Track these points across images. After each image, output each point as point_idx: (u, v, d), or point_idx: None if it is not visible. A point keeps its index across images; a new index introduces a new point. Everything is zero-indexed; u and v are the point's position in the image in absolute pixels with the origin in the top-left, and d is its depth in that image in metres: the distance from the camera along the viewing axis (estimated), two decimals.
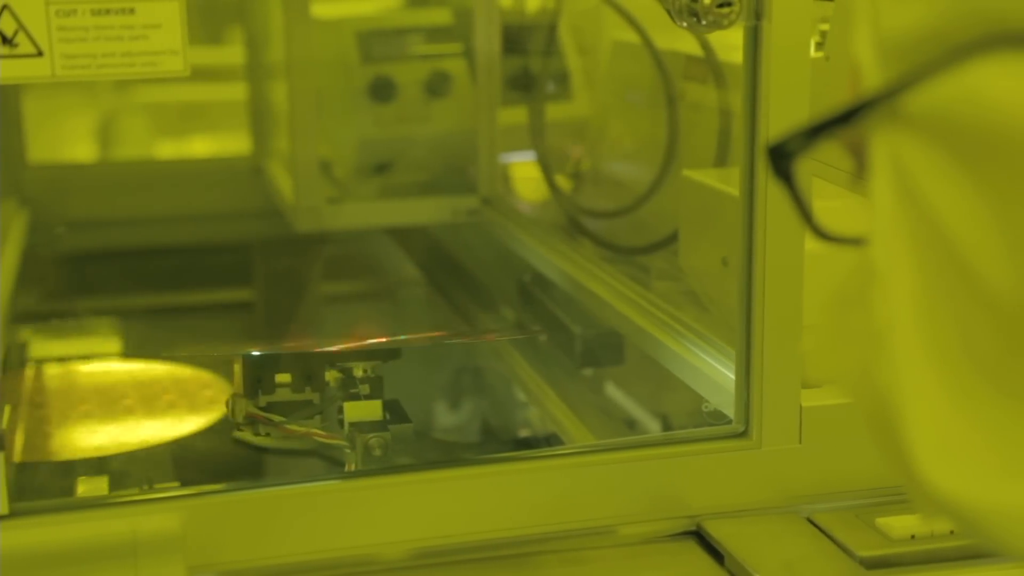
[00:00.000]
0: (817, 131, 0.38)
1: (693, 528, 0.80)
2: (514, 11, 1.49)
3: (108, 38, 0.65)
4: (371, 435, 0.86)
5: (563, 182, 1.46)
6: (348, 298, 1.53)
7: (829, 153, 0.43)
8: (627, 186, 1.30)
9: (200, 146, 2.02)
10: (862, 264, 0.38)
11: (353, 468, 0.86)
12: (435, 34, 1.45)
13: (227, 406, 0.91)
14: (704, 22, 0.73)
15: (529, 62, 1.42)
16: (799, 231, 0.79)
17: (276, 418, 0.88)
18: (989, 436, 0.34)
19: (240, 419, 0.89)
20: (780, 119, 0.76)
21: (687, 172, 1.09)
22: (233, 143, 1.85)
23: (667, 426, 1.09)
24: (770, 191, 0.78)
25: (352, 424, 0.88)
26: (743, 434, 0.81)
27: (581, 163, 1.45)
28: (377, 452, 0.86)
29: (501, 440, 1.21)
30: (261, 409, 0.89)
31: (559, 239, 1.28)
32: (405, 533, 0.79)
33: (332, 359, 0.92)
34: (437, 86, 1.43)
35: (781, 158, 0.38)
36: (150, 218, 1.57)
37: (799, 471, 0.81)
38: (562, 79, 1.45)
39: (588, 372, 1.17)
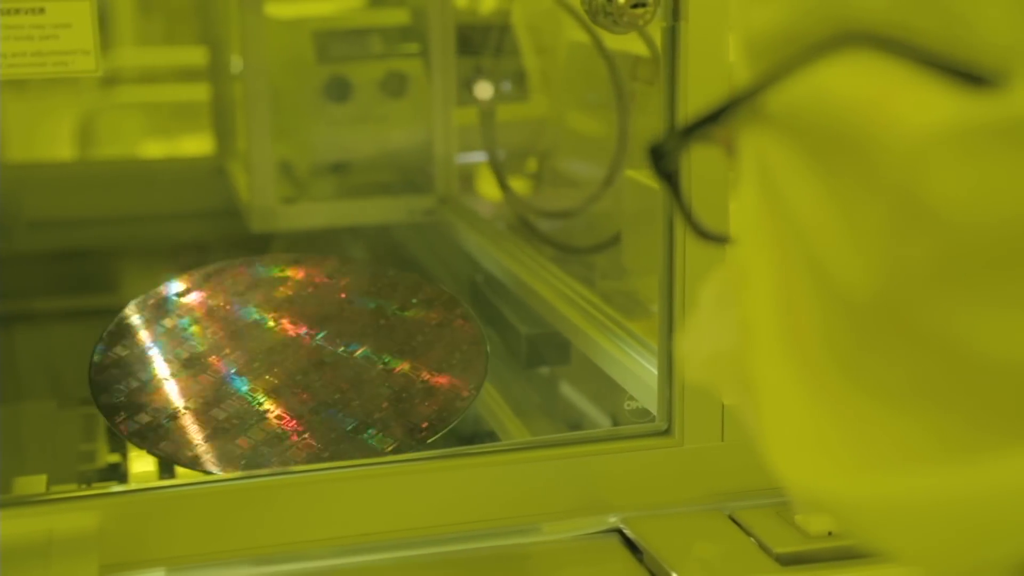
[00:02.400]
0: (691, 130, 0.38)
1: (617, 526, 0.81)
2: (471, 11, 1.50)
3: (17, 37, 0.65)
4: None
5: (520, 182, 1.46)
6: None
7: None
8: (582, 186, 1.30)
9: (165, 146, 2.02)
10: (733, 263, 0.39)
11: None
12: (392, 34, 1.45)
13: None
14: (620, 23, 0.73)
15: (485, 62, 1.43)
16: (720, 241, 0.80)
17: None
18: (844, 430, 0.35)
19: None
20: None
21: (629, 172, 1.09)
22: (199, 144, 1.85)
23: (614, 425, 1.09)
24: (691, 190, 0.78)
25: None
26: (666, 432, 0.82)
27: (538, 163, 1.45)
28: None
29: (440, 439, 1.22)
30: None
31: (511, 239, 1.28)
32: (328, 531, 0.79)
33: None
34: (393, 86, 1.43)
35: (660, 158, 0.39)
36: (111, 218, 1.58)
37: (721, 469, 0.81)
38: (519, 79, 1.46)
39: (535, 372, 1.17)
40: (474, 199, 1.47)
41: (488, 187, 1.47)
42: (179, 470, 0.97)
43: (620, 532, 0.80)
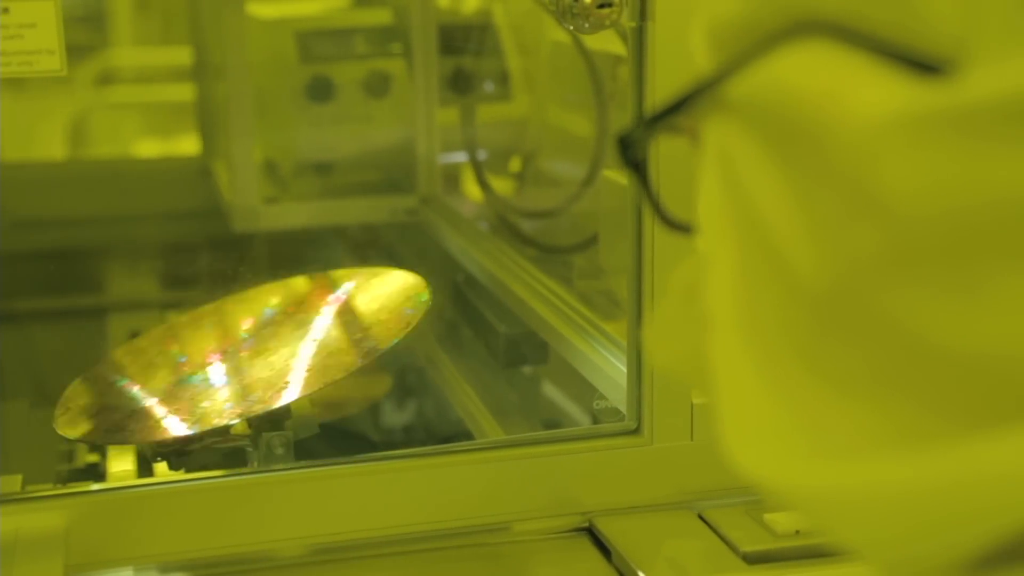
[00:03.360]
0: (656, 119, 0.38)
1: (586, 524, 0.81)
2: (453, 11, 1.50)
3: None
4: (273, 433, 0.87)
5: (504, 182, 1.47)
6: None
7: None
8: (564, 186, 1.30)
9: (152, 146, 2.03)
10: (698, 253, 0.39)
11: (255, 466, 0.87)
12: (375, 34, 1.45)
13: None
14: (587, 23, 0.74)
15: (469, 62, 1.43)
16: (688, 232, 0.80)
17: None
18: (801, 419, 0.35)
19: None
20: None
21: (606, 172, 1.09)
22: (185, 143, 1.85)
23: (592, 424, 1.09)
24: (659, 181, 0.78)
25: (255, 422, 0.88)
26: (636, 431, 0.82)
27: (521, 163, 1.45)
28: (279, 451, 0.87)
29: (414, 439, 1.22)
30: None
31: (491, 239, 1.28)
32: (300, 529, 0.80)
33: None
34: (376, 86, 1.43)
35: (628, 147, 0.39)
36: (94, 218, 1.58)
37: (691, 468, 0.82)
38: (502, 79, 1.46)
39: (513, 371, 1.17)
40: (457, 199, 1.47)
41: (472, 187, 1.47)
42: (157, 470, 0.98)
43: (590, 531, 0.81)
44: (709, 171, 0.37)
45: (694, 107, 0.37)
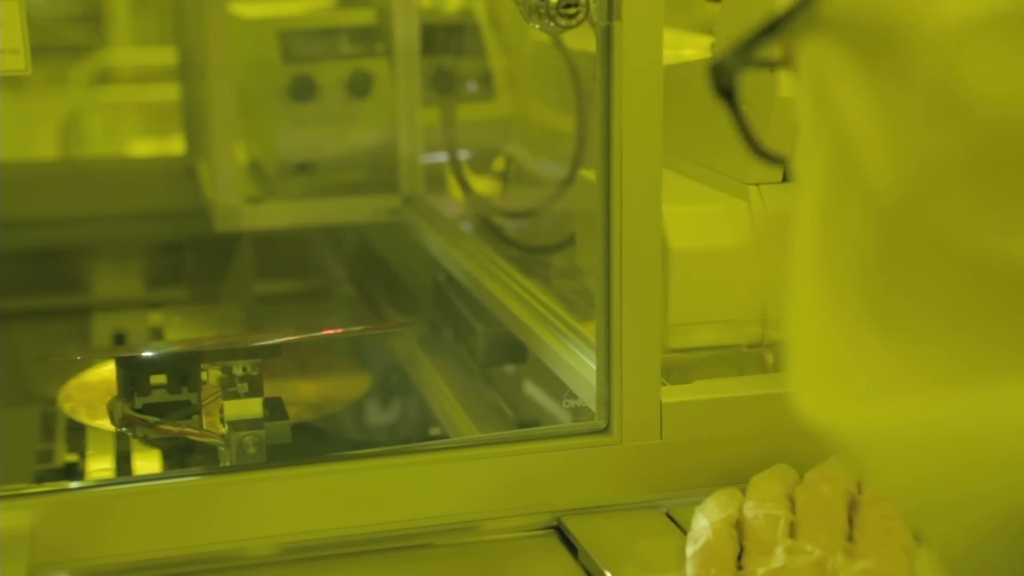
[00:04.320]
0: (750, 44, 0.38)
1: (555, 523, 0.81)
2: (436, 11, 1.50)
3: None
4: (245, 433, 0.87)
5: (489, 182, 1.46)
6: (268, 298, 1.54)
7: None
8: (547, 186, 1.30)
9: (137, 146, 2.03)
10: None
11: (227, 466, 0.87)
12: (358, 34, 1.45)
13: (108, 409, 0.92)
14: (553, 23, 0.74)
15: (451, 62, 1.43)
16: (656, 233, 0.80)
17: (151, 419, 0.89)
18: (863, 358, 0.34)
19: (118, 422, 0.90)
20: (634, 119, 0.77)
21: (583, 172, 1.09)
22: (171, 143, 1.86)
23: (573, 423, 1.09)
24: (625, 195, 0.79)
25: (230, 422, 0.88)
26: (604, 430, 0.82)
27: (504, 163, 1.45)
28: (251, 450, 0.87)
29: (390, 438, 1.22)
30: (137, 411, 0.90)
31: (472, 239, 1.29)
32: (270, 528, 0.80)
33: (210, 358, 0.92)
34: (358, 86, 1.43)
35: (721, 76, 0.39)
36: (79, 218, 1.58)
37: (659, 467, 0.82)
38: (485, 79, 1.46)
39: (493, 371, 1.18)
40: (441, 199, 1.48)
41: (455, 187, 1.47)
42: (136, 468, 0.98)
43: (558, 529, 0.81)
44: (803, 92, 0.37)
45: (789, 29, 0.36)
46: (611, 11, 0.76)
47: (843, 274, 0.35)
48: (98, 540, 0.76)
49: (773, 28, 0.37)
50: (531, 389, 1.12)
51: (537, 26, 0.75)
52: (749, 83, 0.39)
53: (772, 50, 0.38)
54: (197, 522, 0.78)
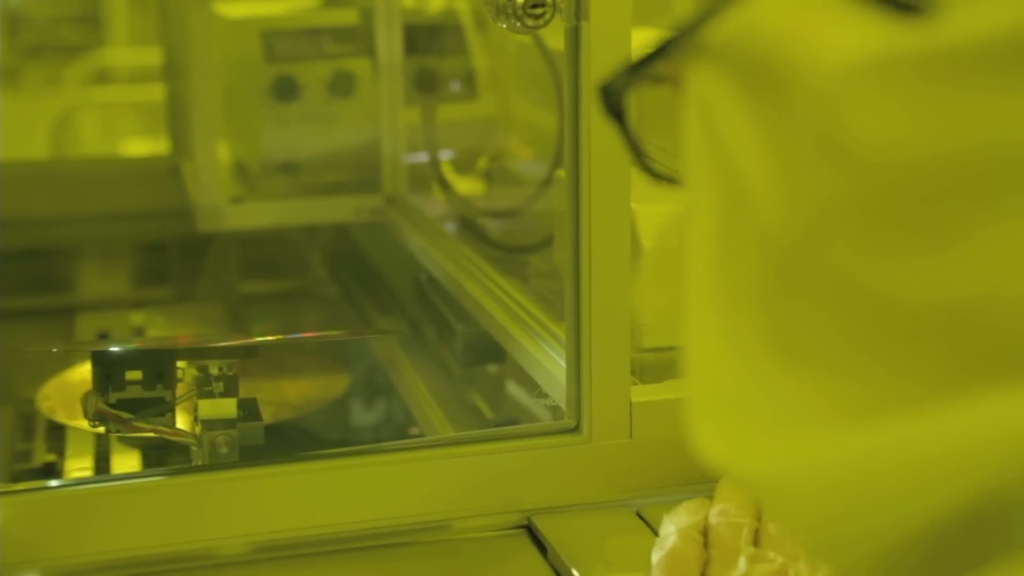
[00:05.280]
0: (638, 67, 0.38)
1: (525, 523, 0.81)
2: (419, 11, 1.50)
3: None
4: (218, 432, 0.87)
5: (472, 182, 1.47)
6: (251, 298, 1.54)
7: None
8: (528, 186, 1.31)
9: (122, 145, 2.03)
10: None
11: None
12: (341, 34, 1.46)
13: (81, 403, 0.92)
14: (520, 23, 0.74)
15: (434, 62, 1.43)
16: (626, 232, 0.80)
17: (124, 415, 0.89)
18: (762, 391, 0.33)
19: (91, 416, 0.90)
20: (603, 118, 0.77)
21: (559, 171, 1.09)
22: (155, 143, 1.86)
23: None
24: (594, 194, 0.79)
25: (204, 422, 0.89)
26: (574, 429, 0.82)
27: (488, 163, 1.45)
28: (223, 450, 0.87)
29: (367, 438, 1.22)
30: (111, 406, 0.90)
31: (452, 239, 1.29)
32: (241, 527, 0.80)
33: (187, 356, 0.92)
34: (341, 86, 1.43)
35: (610, 96, 0.38)
36: (64, 218, 1.58)
37: (629, 466, 0.82)
38: (468, 79, 1.46)
39: (472, 371, 1.18)
40: (425, 199, 1.48)
41: (437, 187, 1.47)
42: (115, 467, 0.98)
43: (528, 528, 0.81)
44: (690, 119, 0.36)
45: (675, 53, 0.36)
46: (579, 11, 0.76)
47: (743, 301, 0.34)
48: (68, 539, 0.76)
49: (661, 51, 0.36)
50: (510, 389, 1.12)
51: (504, 26, 0.75)
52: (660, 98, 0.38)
53: (661, 71, 0.37)
54: (169, 521, 0.79)
